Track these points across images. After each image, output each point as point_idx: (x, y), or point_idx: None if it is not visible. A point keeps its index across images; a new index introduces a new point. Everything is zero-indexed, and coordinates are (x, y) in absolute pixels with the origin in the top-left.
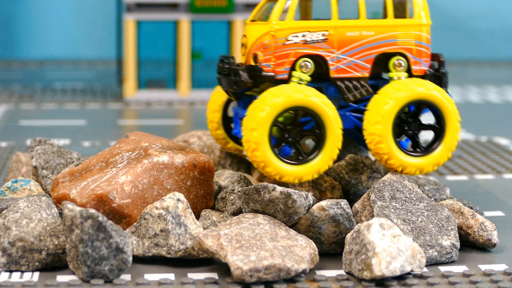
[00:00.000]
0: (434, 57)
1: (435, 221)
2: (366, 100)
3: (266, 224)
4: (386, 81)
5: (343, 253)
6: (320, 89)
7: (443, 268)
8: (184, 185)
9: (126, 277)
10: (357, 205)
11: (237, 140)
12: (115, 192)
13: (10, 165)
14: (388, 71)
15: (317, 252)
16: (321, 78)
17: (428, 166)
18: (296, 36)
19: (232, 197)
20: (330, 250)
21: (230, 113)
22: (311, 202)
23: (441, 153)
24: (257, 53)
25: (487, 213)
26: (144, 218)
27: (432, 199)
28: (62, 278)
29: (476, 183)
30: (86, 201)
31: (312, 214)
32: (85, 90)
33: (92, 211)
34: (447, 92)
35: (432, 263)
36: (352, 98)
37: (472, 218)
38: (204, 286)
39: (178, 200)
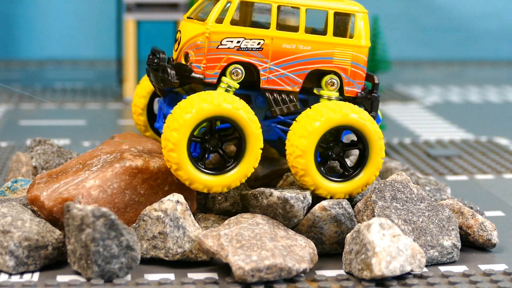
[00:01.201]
0: (369, 78)
1: (436, 221)
2: (293, 114)
3: (265, 224)
4: (317, 97)
5: (343, 253)
6: (248, 97)
7: (443, 268)
8: (161, 190)
9: (126, 277)
10: (360, 204)
11: (158, 132)
12: (80, 196)
13: (10, 165)
14: (320, 87)
15: (316, 252)
16: (251, 87)
17: (357, 189)
18: (231, 41)
19: (220, 197)
20: (332, 250)
21: (156, 104)
22: (310, 202)
23: (368, 174)
24: (189, 52)
25: (487, 213)
26: (143, 220)
27: (433, 199)
28: (62, 278)
29: (476, 183)
30: (53, 204)
31: (313, 214)
32: (85, 90)
33: (104, 209)
34: (377, 115)
35: (433, 263)
36: (278, 112)
37: (472, 218)
38: (204, 286)
39: (177, 202)
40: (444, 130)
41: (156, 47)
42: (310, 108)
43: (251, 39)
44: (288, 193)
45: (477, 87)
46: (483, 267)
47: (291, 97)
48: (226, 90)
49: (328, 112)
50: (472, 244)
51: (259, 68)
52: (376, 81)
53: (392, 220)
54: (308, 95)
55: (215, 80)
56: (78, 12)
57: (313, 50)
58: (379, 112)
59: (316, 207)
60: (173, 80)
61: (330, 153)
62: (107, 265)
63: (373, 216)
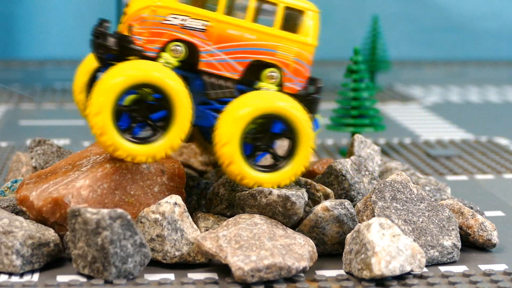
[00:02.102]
0: (313, 81)
1: (436, 221)
2: (228, 101)
3: (263, 224)
4: (256, 90)
5: (343, 253)
6: (186, 79)
7: (443, 268)
8: (151, 191)
9: (139, 274)
10: (359, 204)
11: None
12: (70, 196)
13: (10, 165)
14: (260, 80)
15: (315, 250)
16: (191, 69)
17: (285, 179)
18: (176, 18)
19: (216, 199)
20: (333, 251)
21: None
22: (306, 199)
23: (296, 165)
24: (133, 25)
25: (487, 213)
26: (141, 222)
27: (433, 199)
28: (62, 278)
29: (476, 183)
30: (43, 204)
31: (316, 214)
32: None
33: (120, 210)
34: (315, 120)
35: (433, 263)
36: (213, 96)
37: (472, 218)
38: (204, 286)
39: (175, 204)
40: (444, 130)
41: (103, 18)
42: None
43: (196, 19)
44: (287, 192)
45: (477, 87)
46: (483, 267)
47: (229, 83)
48: (164, 66)
49: (255, 100)
50: (472, 244)
51: (200, 49)
52: (320, 85)
53: (392, 220)
54: (248, 87)
55: (154, 55)
56: (78, 12)
57: (257, 40)
58: (319, 118)
59: (319, 207)
60: (112, 47)
61: (259, 143)
62: (123, 265)
63: (373, 216)
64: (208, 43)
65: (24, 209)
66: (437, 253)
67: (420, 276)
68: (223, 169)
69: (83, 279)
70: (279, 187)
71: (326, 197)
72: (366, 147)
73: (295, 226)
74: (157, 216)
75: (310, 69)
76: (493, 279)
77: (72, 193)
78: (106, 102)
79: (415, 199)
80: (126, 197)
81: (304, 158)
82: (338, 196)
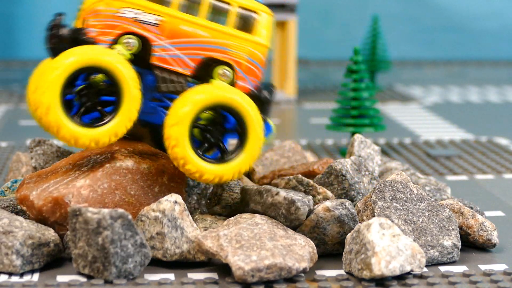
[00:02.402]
0: (268, 85)
1: (436, 221)
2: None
3: (264, 224)
4: None
5: (343, 253)
6: (139, 75)
7: (443, 268)
8: (151, 191)
9: (139, 274)
10: (359, 204)
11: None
12: (70, 195)
13: (10, 165)
14: (212, 78)
15: (315, 251)
16: (143, 64)
17: (229, 174)
18: (130, 11)
19: (214, 200)
20: (334, 251)
21: None
22: (311, 207)
23: (244, 160)
24: (88, 18)
25: (487, 213)
26: (141, 220)
27: (433, 199)
28: (62, 278)
29: (476, 183)
30: (43, 203)
31: (317, 215)
32: None
33: (121, 210)
34: (267, 123)
35: (433, 263)
36: (164, 89)
37: (472, 218)
38: (204, 286)
39: (175, 202)
40: (444, 130)
41: (60, 12)
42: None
43: (149, 13)
44: (294, 195)
45: (477, 87)
46: (483, 267)
47: (180, 79)
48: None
49: (210, 89)
50: (472, 244)
51: (153, 43)
52: (273, 89)
53: (392, 220)
54: (200, 84)
55: (107, 46)
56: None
57: (210, 37)
58: (270, 122)
59: (320, 208)
60: (64, 37)
61: (209, 136)
62: (124, 265)
63: (373, 216)
64: (161, 37)
65: (24, 208)
66: (437, 253)
67: (420, 276)
68: (168, 151)
69: (83, 279)
70: (220, 181)
71: (327, 200)
72: (366, 147)
73: (296, 226)
74: (157, 214)
75: (263, 70)
76: (493, 279)
77: (72, 192)
78: (54, 81)
79: (415, 199)
80: (126, 197)
81: (251, 155)
82: (338, 196)
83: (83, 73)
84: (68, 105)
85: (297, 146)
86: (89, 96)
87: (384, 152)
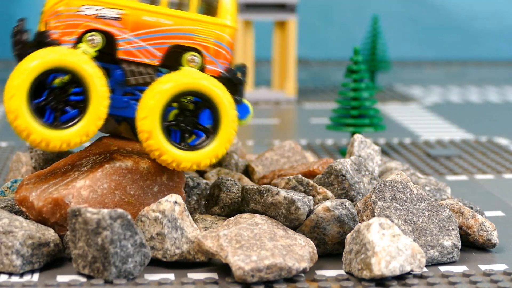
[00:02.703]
0: (241, 66)
1: (436, 221)
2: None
3: (264, 224)
4: None
5: (343, 253)
6: (107, 71)
7: (443, 268)
8: (151, 191)
9: (139, 274)
10: (359, 204)
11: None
12: (70, 196)
13: (10, 165)
14: (181, 65)
15: (315, 251)
16: (111, 60)
17: (206, 160)
18: (89, 8)
19: (212, 200)
20: (334, 251)
21: None
22: (311, 207)
23: (218, 145)
24: (49, 21)
25: (487, 213)
26: (141, 221)
27: (433, 199)
28: (62, 278)
29: (476, 183)
30: (43, 204)
31: (317, 215)
32: None
33: (120, 210)
34: (243, 104)
35: (433, 263)
36: (133, 82)
37: (472, 218)
38: (204, 286)
39: (175, 202)
40: (444, 130)
41: (22, 18)
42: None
43: (110, 8)
44: (294, 195)
45: (477, 87)
46: (483, 267)
47: (149, 70)
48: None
49: (177, 76)
50: (472, 244)
51: (117, 37)
52: (245, 69)
53: (392, 220)
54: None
55: (71, 46)
56: None
57: (174, 24)
58: (247, 103)
59: (320, 208)
60: (28, 42)
61: (182, 123)
62: (123, 265)
63: (373, 216)
64: (124, 31)
65: (23, 209)
66: (437, 253)
67: (420, 276)
68: (143, 145)
69: (83, 279)
70: (199, 167)
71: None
72: (366, 147)
73: (296, 226)
74: (157, 214)
75: (232, 51)
76: (493, 279)
77: (72, 193)
78: (20, 85)
79: (415, 199)
80: (126, 197)
81: (226, 138)
82: (338, 196)
83: (50, 75)
84: (42, 108)
85: (297, 146)
86: (57, 97)
87: (384, 152)
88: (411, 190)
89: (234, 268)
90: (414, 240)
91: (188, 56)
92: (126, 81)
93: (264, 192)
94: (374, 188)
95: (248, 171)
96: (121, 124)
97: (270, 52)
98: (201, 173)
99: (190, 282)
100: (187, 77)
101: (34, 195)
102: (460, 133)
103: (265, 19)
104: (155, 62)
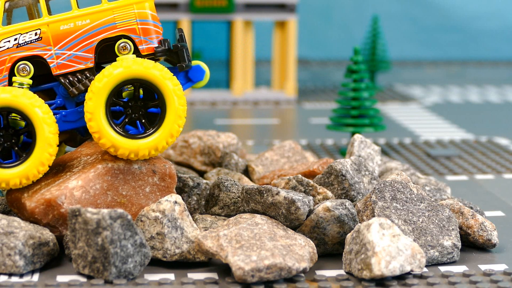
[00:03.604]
0: (176, 32)
1: (436, 221)
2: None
3: (264, 224)
4: None
5: (343, 253)
6: (51, 91)
7: (443, 268)
8: (142, 191)
9: (139, 274)
10: (359, 204)
11: None
12: (63, 197)
13: None
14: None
15: (315, 251)
16: (50, 79)
17: (144, 150)
18: (8, 41)
19: (212, 200)
20: (334, 251)
21: None
22: (311, 207)
23: (160, 137)
24: None
25: (487, 213)
26: (141, 220)
27: (433, 199)
28: (62, 278)
29: (476, 183)
30: (35, 205)
31: (317, 215)
32: None
33: (120, 210)
34: (196, 66)
35: (433, 263)
36: (76, 92)
37: (472, 218)
38: (204, 286)
39: (175, 202)
40: (444, 130)
41: None
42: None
43: (27, 33)
44: (294, 195)
45: (477, 87)
46: (483, 267)
47: (87, 73)
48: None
49: (110, 70)
50: (472, 244)
51: (45, 57)
52: (181, 33)
53: (392, 220)
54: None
55: (6, 83)
56: None
57: (92, 22)
58: (201, 64)
59: (320, 208)
60: None
61: (130, 112)
62: (123, 265)
63: (373, 216)
64: (48, 48)
65: (15, 210)
66: (437, 253)
67: (420, 276)
68: (98, 143)
69: (83, 279)
70: (137, 156)
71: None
72: (366, 147)
73: (296, 226)
74: (157, 214)
75: (158, 22)
76: (493, 279)
77: (65, 194)
78: None
79: (415, 199)
80: (118, 197)
81: (169, 132)
82: (338, 196)
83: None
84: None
85: (297, 146)
86: (5, 136)
87: (384, 152)
88: (411, 190)
89: (234, 268)
90: (414, 240)
91: (119, 44)
92: (69, 93)
93: (264, 192)
94: (374, 188)
95: (248, 171)
96: (87, 135)
97: (270, 52)
98: (201, 173)
99: (190, 282)
100: (139, 65)
101: (26, 196)
102: (460, 133)
103: (265, 19)
104: (90, 65)
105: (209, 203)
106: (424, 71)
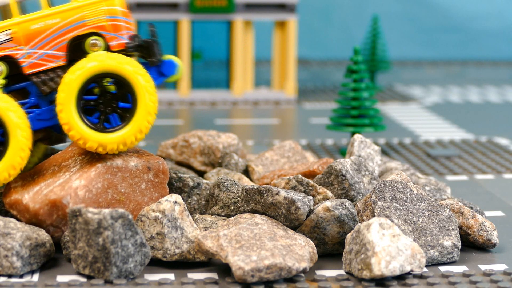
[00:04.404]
0: (148, 27)
1: (436, 221)
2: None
3: (264, 224)
4: None
5: (343, 253)
6: (25, 90)
7: (443, 268)
8: (139, 188)
9: (139, 273)
10: (359, 204)
11: None
12: (68, 197)
13: None
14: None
15: (315, 251)
16: (23, 79)
17: (113, 144)
18: None
19: (212, 200)
20: (333, 251)
21: None
22: (311, 207)
23: (129, 132)
24: None
25: (487, 213)
26: (141, 220)
27: (433, 199)
28: (62, 278)
29: (476, 183)
30: (39, 206)
31: (317, 215)
32: None
33: (121, 210)
34: (169, 61)
35: (433, 263)
36: (48, 90)
37: (472, 218)
38: (204, 286)
39: (175, 202)
40: (444, 130)
41: None
42: None
43: None
44: (294, 195)
45: (477, 87)
46: (483, 267)
47: (58, 72)
48: None
49: (83, 63)
50: (472, 244)
51: (16, 57)
52: (152, 28)
53: (392, 220)
54: None
55: None
56: None
57: (62, 20)
58: (174, 59)
59: (320, 208)
60: None
61: (101, 106)
62: (124, 265)
63: (373, 216)
64: (20, 48)
65: (14, 213)
66: (437, 253)
67: (420, 276)
68: (68, 135)
69: (83, 279)
70: (105, 150)
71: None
72: (366, 147)
73: (296, 226)
74: (157, 214)
75: (128, 19)
76: (493, 279)
77: (70, 194)
78: None
79: (415, 199)
80: (118, 195)
81: (137, 128)
82: (338, 196)
83: None
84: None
85: (297, 146)
86: None
87: (384, 152)
88: (411, 190)
89: (234, 268)
90: (414, 240)
91: (89, 41)
92: (41, 91)
93: (264, 192)
94: (374, 188)
95: (248, 171)
96: (62, 133)
97: (270, 52)
98: (201, 173)
99: (190, 282)
100: (113, 60)
101: (28, 198)
102: (460, 133)
103: (265, 19)
104: (61, 62)
105: (209, 203)
106: (424, 71)
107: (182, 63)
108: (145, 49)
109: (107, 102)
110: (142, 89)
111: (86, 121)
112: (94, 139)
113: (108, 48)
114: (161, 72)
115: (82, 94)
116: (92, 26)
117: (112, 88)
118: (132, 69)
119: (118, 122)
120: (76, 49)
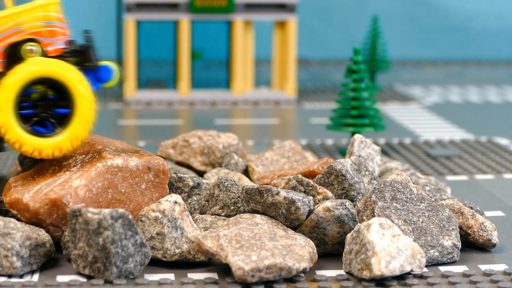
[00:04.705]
0: (83, 33)
1: (436, 221)
2: None
3: (264, 224)
4: None
5: (343, 253)
6: None
7: (443, 268)
8: (139, 188)
9: (139, 273)
10: (359, 204)
11: None
12: (69, 196)
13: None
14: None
15: (315, 251)
16: None
17: (48, 149)
18: None
19: (212, 200)
20: (334, 251)
21: None
22: (312, 207)
23: (65, 138)
24: None
25: (487, 213)
26: (141, 220)
27: (433, 199)
28: (62, 278)
29: (476, 183)
30: (40, 205)
31: (317, 215)
32: None
33: (121, 210)
34: (105, 67)
35: (433, 263)
36: None
37: (472, 218)
38: (204, 286)
39: (175, 202)
40: (444, 130)
41: None
42: None
43: None
44: (294, 195)
45: (477, 87)
46: (483, 267)
47: None
48: None
49: (24, 67)
50: (472, 244)
51: None
52: (87, 34)
53: (392, 220)
54: None
55: None
56: (78, 12)
57: None
58: (110, 64)
59: (320, 208)
60: None
61: (38, 111)
62: (124, 265)
63: (373, 216)
64: None
65: (14, 212)
66: (437, 253)
67: (420, 276)
68: (4, 138)
69: (83, 279)
70: (40, 155)
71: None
72: (366, 147)
73: (296, 226)
74: (157, 214)
75: (65, 24)
76: (493, 279)
77: (70, 193)
78: None
79: (415, 199)
80: (118, 195)
81: (74, 134)
82: (338, 196)
83: None
84: None
85: (297, 146)
86: None
87: (384, 152)
88: (411, 190)
89: (234, 268)
90: (414, 240)
91: (25, 47)
92: None
93: (264, 192)
94: (374, 188)
95: (248, 171)
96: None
97: (270, 52)
98: (201, 173)
99: (190, 282)
100: (53, 66)
101: (28, 197)
102: (460, 133)
103: (265, 19)
104: None
105: (209, 203)
106: (424, 71)
107: (117, 68)
108: (81, 54)
109: (45, 107)
110: (81, 96)
111: (23, 125)
112: (29, 143)
113: (44, 54)
114: (97, 78)
115: (19, 98)
116: (28, 32)
117: (50, 93)
118: (72, 75)
119: (52, 127)
120: (13, 56)
